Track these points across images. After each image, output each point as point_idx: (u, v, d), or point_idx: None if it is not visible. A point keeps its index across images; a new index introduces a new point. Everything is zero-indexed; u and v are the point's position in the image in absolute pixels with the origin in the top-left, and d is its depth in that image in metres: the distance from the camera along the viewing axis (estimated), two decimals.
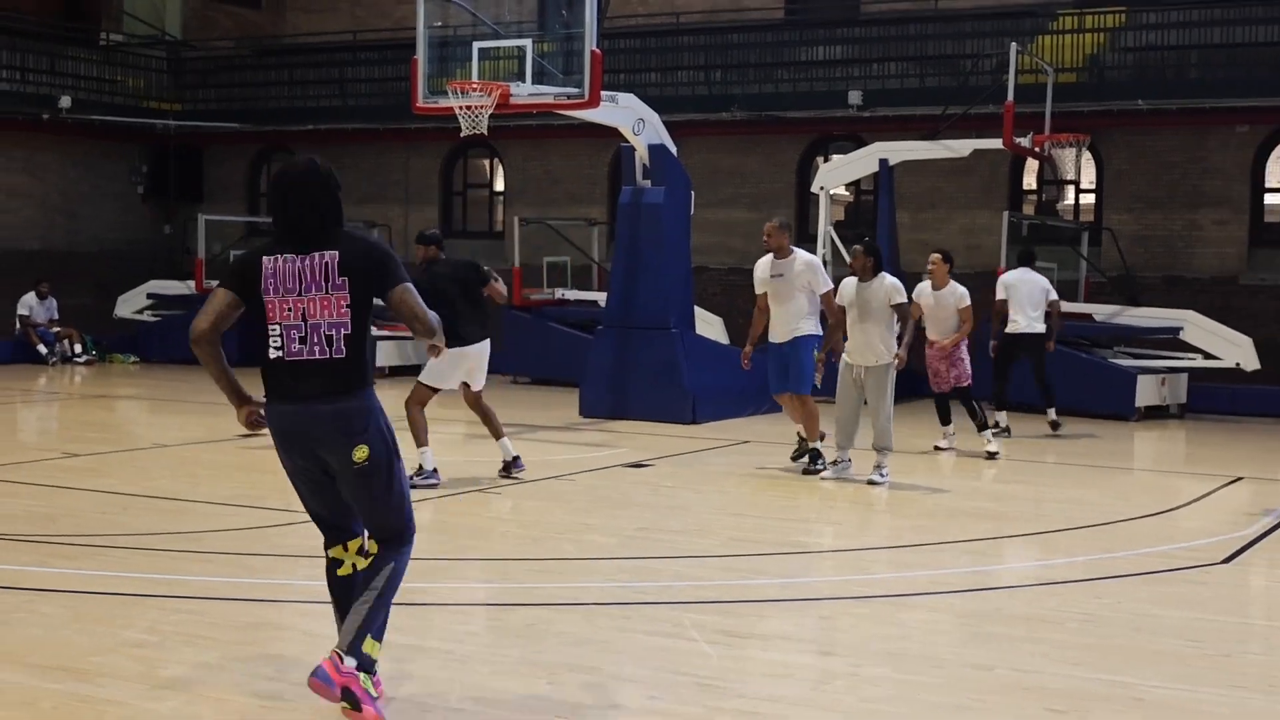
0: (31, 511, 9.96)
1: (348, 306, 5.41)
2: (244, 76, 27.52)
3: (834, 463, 12.10)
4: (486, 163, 25.98)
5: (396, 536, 5.65)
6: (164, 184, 26.95)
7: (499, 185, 25.76)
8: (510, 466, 11.91)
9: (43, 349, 23.47)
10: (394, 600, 5.60)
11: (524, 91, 15.54)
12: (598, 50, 15.18)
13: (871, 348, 11.80)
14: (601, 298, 19.87)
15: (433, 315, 5.54)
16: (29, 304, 23.65)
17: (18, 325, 23.67)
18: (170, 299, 24.16)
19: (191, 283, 23.79)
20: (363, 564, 5.70)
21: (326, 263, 5.42)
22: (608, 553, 9.12)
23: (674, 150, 17.03)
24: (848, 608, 7.92)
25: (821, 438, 12.49)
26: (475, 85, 15.37)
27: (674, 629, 7.08)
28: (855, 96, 21.43)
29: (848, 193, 23.34)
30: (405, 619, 7.24)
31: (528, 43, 16.14)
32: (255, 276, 5.48)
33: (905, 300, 11.91)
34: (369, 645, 5.46)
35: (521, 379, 21.41)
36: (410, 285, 5.51)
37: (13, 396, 19.50)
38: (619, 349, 16.68)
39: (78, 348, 23.90)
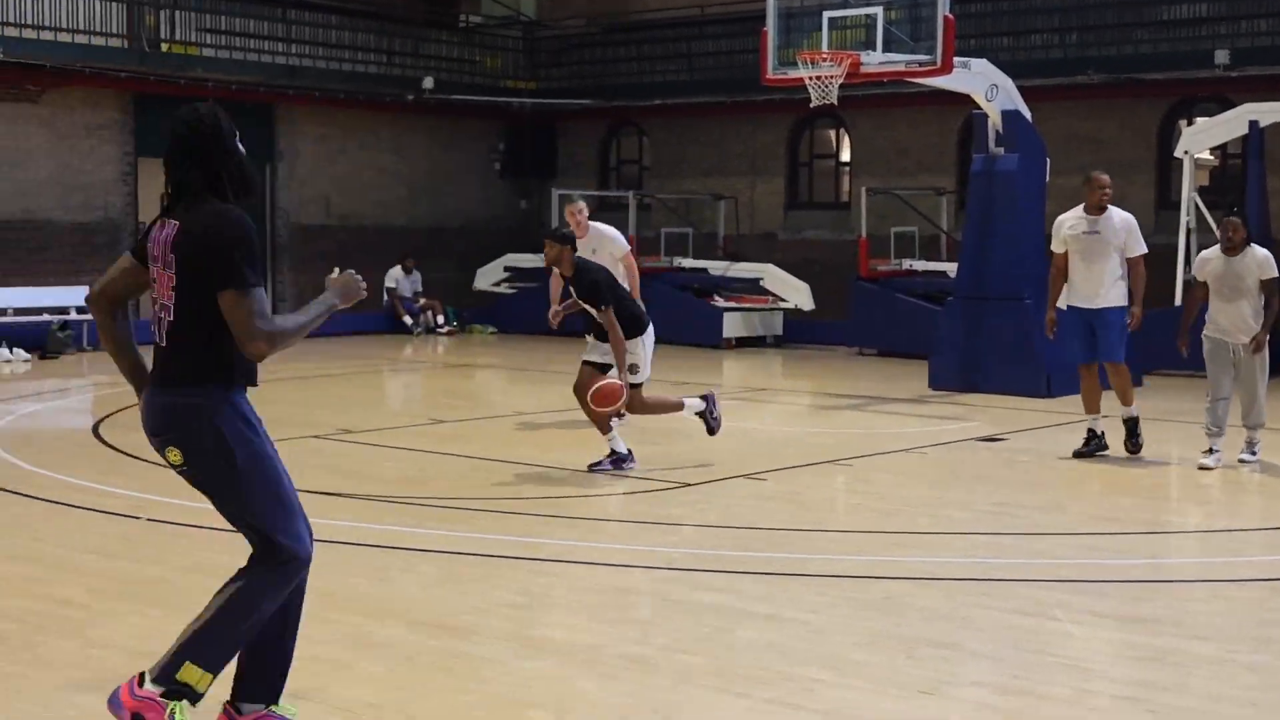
0: (405, 475, 10.46)
1: (173, 290, 4.57)
2: (595, 54, 28.14)
3: (1208, 451, 11.35)
4: (833, 133, 25.85)
5: (260, 555, 4.73)
6: (520, 160, 27.87)
7: (845, 156, 25.60)
8: (616, 460, 10.73)
9: (408, 320, 24.66)
10: (240, 638, 4.70)
11: (874, 60, 15.40)
12: (950, 15, 14.91)
13: (1246, 324, 11.13)
14: (950, 268, 19.56)
15: (281, 324, 4.50)
16: (395, 277, 24.85)
17: (385, 297, 24.90)
18: (525, 272, 24.93)
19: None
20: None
21: (168, 234, 4.60)
22: (964, 528, 8.99)
23: (1028, 116, 16.59)
24: (1220, 590, 7.59)
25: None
26: (825, 55, 15.32)
27: (1036, 607, 6.92)
28: (1222, 55, 20.35)
29: (1213, 157, 22.26)
30: (763, 587, 7.32)
31: (878, 10, 15.92)
32: (145, 241, 4.76)
33: (1277, 275, 11.20)
34: (186, 672, 4.61)
35: (868, 351, 21.27)
36: (254, 293, 4.46)
37: (380, 365, 20.56)
38: (970, 320, 16.39)
39: (440, 319, 24.99)
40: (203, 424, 4.57)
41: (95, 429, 12.95)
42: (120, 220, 22.44)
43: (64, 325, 20.51)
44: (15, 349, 19.66)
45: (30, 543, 8.27)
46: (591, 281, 10.45)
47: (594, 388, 10.22)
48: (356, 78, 25.02)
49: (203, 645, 4.62)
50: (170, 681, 4.60)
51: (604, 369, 10.63)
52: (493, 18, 28.43)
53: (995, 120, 16.39)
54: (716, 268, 23.48)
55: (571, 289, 10.67)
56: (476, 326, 25.35)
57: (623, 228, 24.64)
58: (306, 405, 15.16)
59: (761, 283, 22.65)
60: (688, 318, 22.63)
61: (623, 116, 27.47)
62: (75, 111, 21.85)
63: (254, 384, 4.71)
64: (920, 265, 21.58)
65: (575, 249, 10.68)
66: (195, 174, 4.59)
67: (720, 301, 22.75)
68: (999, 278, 16.25)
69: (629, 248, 12.96)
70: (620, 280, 11.92)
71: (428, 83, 25.33)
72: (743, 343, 22.38)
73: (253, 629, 4.69)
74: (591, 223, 12.94)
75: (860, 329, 21.38)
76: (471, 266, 25.59)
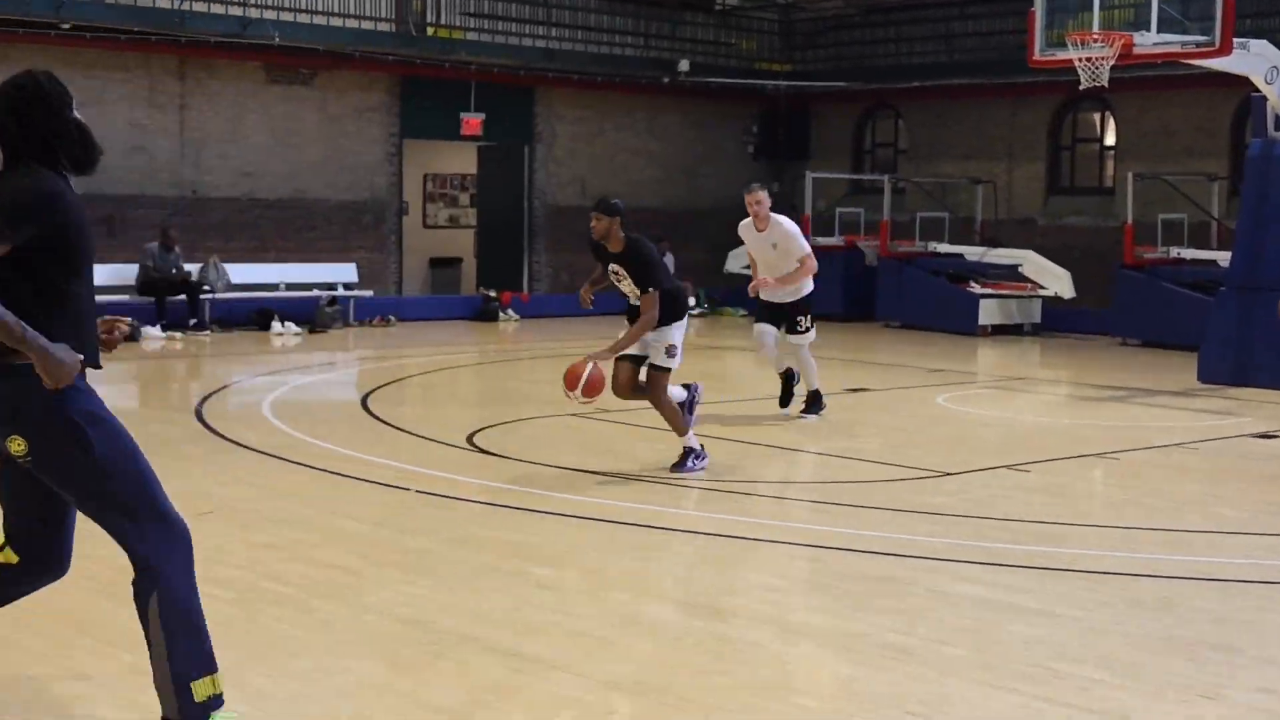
0: (660, 455, 10.49)
1: None
2: (851, 35, 27.86)
3: None
4: (1097, 116, 25.09)
5: (136, 556, 4.39)
6: (773, 143, 27.80)
7: (1109, 139, 24.83)
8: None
9: None
10: (198, 626, 4.43)
11: (1148, 41, 14.86)
12: None
13: None
14: (1221, 257, 18.78)
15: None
16: None
17: None
18: None
19: None
20: (12, 558, 4.56)
21: None
22: (1239, 527, 8.61)
23: None
24: None
25: None
26: (1096, 36, 14.85)
27: None
28: None
29: None
30: (1030, 581, 7.13)
31: None
32: None
33: None
34: (199, 689, 4.40)
35: (1131, 341, 20.59)
36: None
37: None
38: (1244, 312, 15.71)
39: (691, 300, 25.03)
40: (47, 408, 4.22)
41: (363, 401, 13.36)
42: (386, 199, 23.12)
43: (332, 300, 21.25)
44: (287, 323, 20.43)
45: (302, 509, 8.56)
46: (644, 261, 9.82)
47: (583, 380, 9.75)
48: (613, 60, 25.26)
49: (188, 667, 4.39)
50: (196, 710, 4.40)
51: (640, 361, 10.13)
52: (748, 0, 28.39)
53: (1275, 103, 15.67)
54: (973, 253, 23.03)
55: (616, 265, 10.00)
56: (727, 309, 25.39)
57: (877, 211, 24.58)
58: (560, 383, 15.34)
59: (1020, 269, 22.14)
60: (942, 304, 22.28)
61: (878, 99, 27.13)
62: (345, 94, 22.58)
63: (97, 366, 4.37)
64: (1189, 253, 20.79)
65: (624, 221, 9.89)
66: (26, 141, 4.30)
67: (976, 288, 22.30)
68: (1275, 267, 15.54)
69: (809, 250, 12.38)
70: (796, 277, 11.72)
71: (683, 65, 25.43)
72: (999, 330, 21.91)
73: (196, 612, 4.44)
74: (773, 214, 12.31)
75: (1123, 318, 20.71)
76: (723, 249, 25.54)
